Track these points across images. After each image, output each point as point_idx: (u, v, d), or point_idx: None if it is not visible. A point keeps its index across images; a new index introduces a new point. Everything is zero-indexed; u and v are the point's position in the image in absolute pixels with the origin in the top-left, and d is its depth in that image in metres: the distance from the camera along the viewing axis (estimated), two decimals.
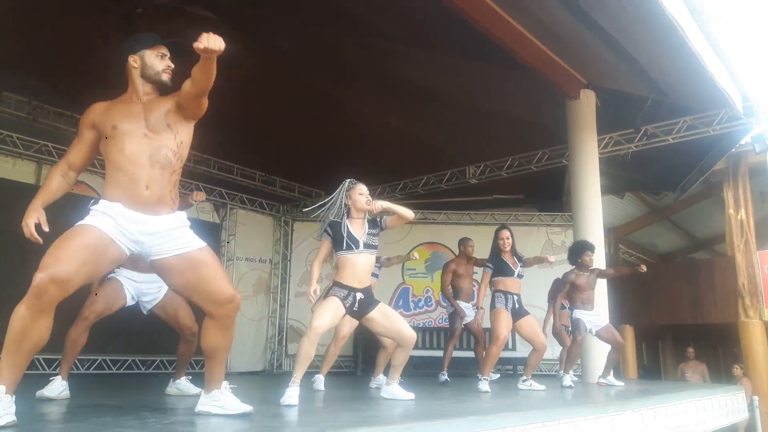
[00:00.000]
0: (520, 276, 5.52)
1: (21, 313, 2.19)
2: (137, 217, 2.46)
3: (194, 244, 2.55)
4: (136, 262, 3.66)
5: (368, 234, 3.93)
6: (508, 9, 5.86)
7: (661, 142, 7.67)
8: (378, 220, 4.00)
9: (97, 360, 7.36)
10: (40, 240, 2.41)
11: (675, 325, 11.50)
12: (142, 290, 4.01)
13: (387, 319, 3.86)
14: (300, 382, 3.57)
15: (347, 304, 3.78)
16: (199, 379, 3.17)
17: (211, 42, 2.31)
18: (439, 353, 9.13)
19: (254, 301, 9.73)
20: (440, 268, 9.67)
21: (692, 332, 11.77)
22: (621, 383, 6.03)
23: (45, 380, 3.59)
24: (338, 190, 4.02)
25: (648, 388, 6.30)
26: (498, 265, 5.51)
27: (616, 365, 6.36)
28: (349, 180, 4.05)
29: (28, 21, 6.04)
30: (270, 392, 5.45)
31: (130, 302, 4.00)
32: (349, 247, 3.85)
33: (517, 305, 5.39)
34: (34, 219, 2.43)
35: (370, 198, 3.98)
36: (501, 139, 8.57)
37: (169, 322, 4.11)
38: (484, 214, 10.11)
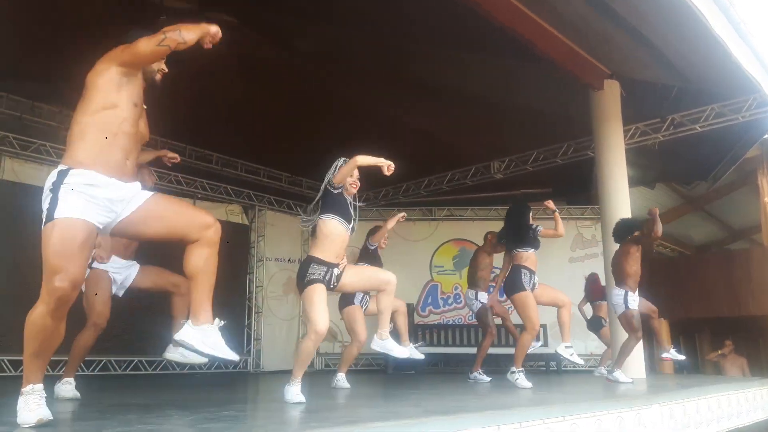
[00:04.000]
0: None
1: (45, 323, 2.26)
2: (116, 184, 2.45)
3: (148, 193, 2.58)
4: (124, 250, 4.00)
5: (354, 219, 3.83)
6: (526, 2, 5.82)
7: (689, 131, 7.51)
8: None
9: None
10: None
11: (712, 317, 11.24)
12: (122, 276, 4.09)
13: (357, 274, 3.81)
14: (300, 380, 3.57)
15: (327, 282, 3.63)
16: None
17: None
18: (471, 350, 9.10)
19: (284, 300, 9.85)
20: (468, 265, 9.68)
21: (730, 325, 11.47)
22: (683, 356, 5.94)
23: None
24: (333, 168, 3.88)
25: (683, 382, 6.19)
26: (527, 238, 5.25)
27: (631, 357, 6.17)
28: (342, 159, 3.89)
29: (57, 32, 6.24)
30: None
31: (115, 291, 4.08)
32: (345, 219, 3.71)
33: (535, 285, 5.19)
34: None
35: (358, 182, 3.85)
36: (525, 132, 8.50)
37: (163, 288, 4.14)
38: None
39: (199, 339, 2.44)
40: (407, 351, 3.94)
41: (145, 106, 2.69)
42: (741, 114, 7.07)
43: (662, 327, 6.78)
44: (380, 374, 8.46)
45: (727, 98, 7.11)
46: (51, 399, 3.40)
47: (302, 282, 3.63)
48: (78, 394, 3.73)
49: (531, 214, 5.55)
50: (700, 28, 5.05)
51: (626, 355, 5.71)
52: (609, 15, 5.67)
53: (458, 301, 10.08)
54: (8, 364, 6.44)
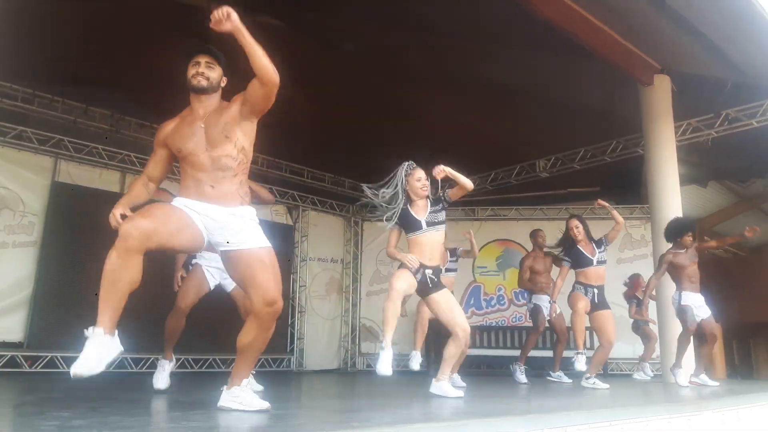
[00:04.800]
0: (601, 262, 5.40)
1: (112, 257, 2.39)
2: (204, 206, 2.69)
3: (258, 242, 2.72)
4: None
5: (431, 212, 4.02)
6: None
7: (745, 127, 7.26)
8: (441, 196, 4.09)
9: (149, 359, 7.59)
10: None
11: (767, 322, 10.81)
12: (218, 270, 4.18)
13: (446, 303, 3.97)
14: (390, 344, 3.71)
15: (418, 278, 3.90)
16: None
17: (216, 17, 2.53)
18: (512, 352, 9.00)
19: (327, 300, 9.92)
20: (512, 266, 9.54)
21: None
22: (716, 383, 5.73)
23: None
24: (396, 176, 4.07)
25: (735, 388, 5.97)
26: (574, 257, 5.40)
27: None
28: (407, 164, 4.10)
29: (110, 39, 6.42)
30: (339, 389, 5.57)
31: (213, 285, 4.25)
32: (413, 229, 3.98)
33: (597, 299, 5.27)
34: (120, 210, 2.63)
35: (427, 183, 4.06)
36: (572, 130, 8.35)
37: (241, 308, 4.25)
38: (557, 208, 9.84)
39: (231, 401, 2.72)
40: (461, 392, 4.06)
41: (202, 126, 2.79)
42: None
43: (714, 354, 6.57)
44: (422, 376, 8.41)
45: None
46: (123, 392, 3.52)
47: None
48: (168, 384, 4.03)
49: (575, 227, 5.54)
50: (757, 18, 4.86)
51: (682, 350, 5.68)
52: (659, 7, 5.51)
53: (501, 302, 9.94)
54: (61, 361, 6.65)
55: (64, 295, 6.59)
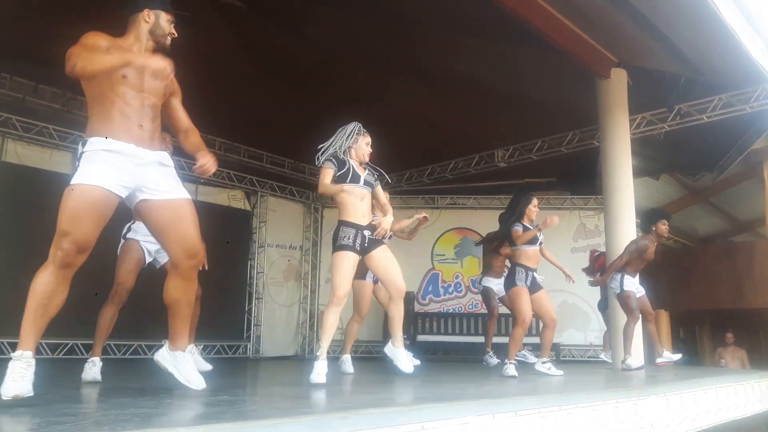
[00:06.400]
0: (540, 242, 5.25)
1: (47, 280, 2.34)
2: (131, 149, 2.56)
3: (182, 192, 2.70)
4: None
5: (367, 175, 3.99)
6: None
7: (696, 121, 7.46)
8: (375, 175, 4.08)
9: (132, 345, 7.54)
10: None
11: (713, 309, 11.21)
12: (156, 246, 3.98)
13: (387, 262, 3.92)
14: (325, 355, 3.64)
15: (357, 246, 3.77)
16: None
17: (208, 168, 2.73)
18: (471, 339, 9.13)
19: (285, 286, 9.86)
20: (470, 254, 9.65)
21: (732, 317, 11.43)
22: (678, 355, 6.18)
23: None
24: (346, 129, 4.03)
25: (681, 373, 6.18)
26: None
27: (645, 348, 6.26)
28: (359, 124, 4.07)
29: (63, 15, 6.18)
30: (294, 375, 5.55)
31: (148, 260, 4.06)
32: (352, 180, 3.86)
33: (533, 282, 5.13)
34: None
35: (371, 151, 4.04)
36: (530, 121, 8.44)
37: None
38: None
39: (172, 363, 2.70)
40: (411, 366, 4.05)
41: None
42: (749, 104, 7.01)
43: (660, 327, 6.75)
44: (379, 361, 8.45)
45: (735, 88, 7.05)
46: (69, 379, 3.42)
47: (334, 246, 3.83)
48: (99, 378, 3.63)
49: (528, 207, 5.29)
50: (711, 16, 4.97)
51: (630, 338, 5.81)
52: (618, 3, 5.59)
53: (459, 289, 10.07)
54: (7, 346, 6.45)
55: (12, 278, 6.38)
